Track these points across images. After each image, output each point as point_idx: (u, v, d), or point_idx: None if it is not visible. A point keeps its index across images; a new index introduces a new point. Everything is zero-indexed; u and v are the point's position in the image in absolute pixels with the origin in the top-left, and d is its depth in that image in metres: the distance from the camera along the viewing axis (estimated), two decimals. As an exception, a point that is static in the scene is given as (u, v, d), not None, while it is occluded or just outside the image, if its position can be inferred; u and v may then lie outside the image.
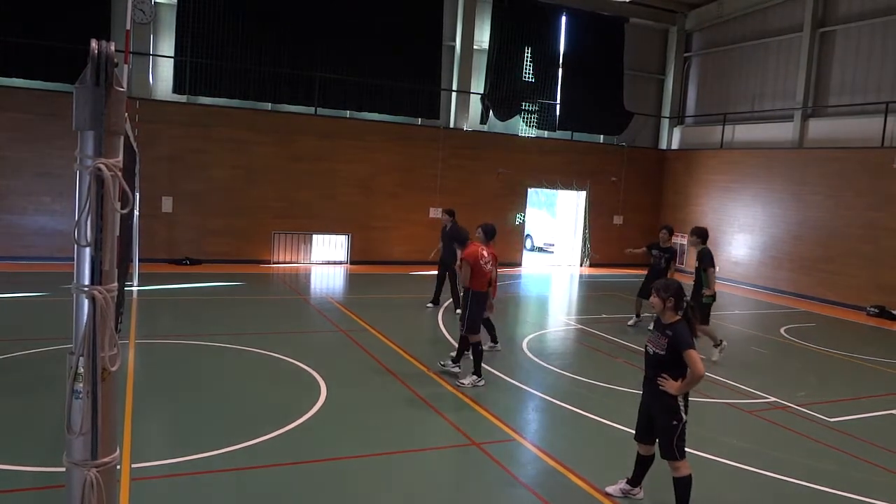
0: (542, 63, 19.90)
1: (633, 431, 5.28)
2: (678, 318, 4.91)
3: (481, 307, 8.22)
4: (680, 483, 4.89)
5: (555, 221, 23.53)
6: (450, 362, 8.37)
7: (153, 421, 6.37)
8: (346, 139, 17.45)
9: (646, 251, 11.95)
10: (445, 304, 12.66)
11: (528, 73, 19.72)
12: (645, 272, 12.35)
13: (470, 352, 8.14)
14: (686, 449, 4.95)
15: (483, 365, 8.73)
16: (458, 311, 12.40)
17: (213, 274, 14.81)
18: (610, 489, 5.36)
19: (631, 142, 21.38)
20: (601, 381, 8.51)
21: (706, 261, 9.94)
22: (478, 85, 19.37)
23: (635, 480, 5.29)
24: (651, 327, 5.79)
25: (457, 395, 7.61)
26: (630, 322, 12.01)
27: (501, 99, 19.36)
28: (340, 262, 17.81)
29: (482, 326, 9.47)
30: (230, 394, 7.23)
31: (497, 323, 9.96)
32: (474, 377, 7.98)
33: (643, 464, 5.24)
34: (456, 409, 7.22)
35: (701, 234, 10.26)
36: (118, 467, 2.52)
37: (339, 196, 17.52)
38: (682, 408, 4.88)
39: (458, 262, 9.08)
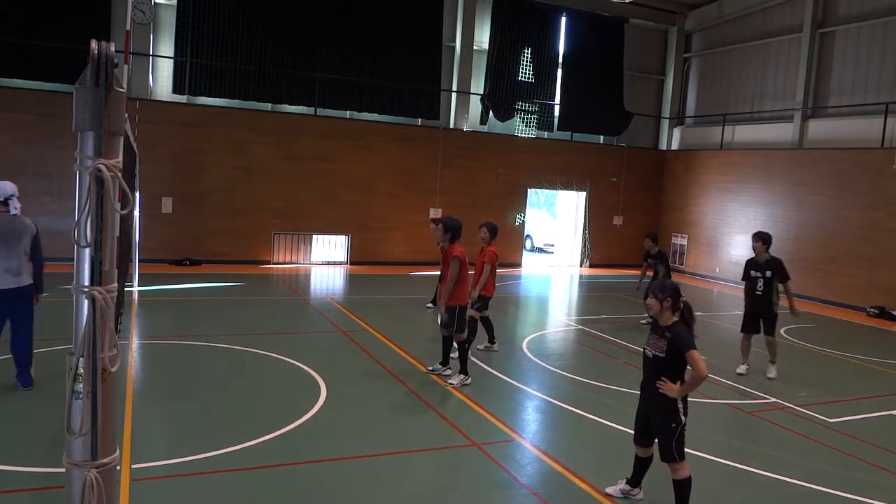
0: (541, 64, 19.90)
1: (631, 432, 5.28)
2: (676, 318, 4.91)
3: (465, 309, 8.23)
4: (679, 485, 4.90)
5: (555, 222, 23.55)
6: (439, 366, 8.37)
7: (153, 421, 6.37)
8: (346, 139, 17.46)
9: (645, 264, 12.52)
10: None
11: (527, 74, 19.72)
12: (638, 272, 13.15)
13: (456, 351, 8.17)
14: (686, 450, 4.95)
15: (483, 365, 8.74)
16: (429, 305, 12.50)
17: (213, 274, 14.82)
18: (610, 489, 5.36)
19: (631, 142, 21.38)
20: (601, 381, 8.51)
21: (783, 271, 9.04)
22: (478, 85, 19.37)
23: (635, 481, 5.29)
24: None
25: (456, 396, 7.61)
26: (643, 321, 12.22)
27: (501, 99, 19.36)
28: (340, 263, 17.81)
29: (482, 325, 9.49)
30: (230, 394, 7.23)
31: (497, 323, 9.96)
32: (461, 376, 7.98)
33: (642, 464, 5.25)
34: (456, 410, 7.22)
35: (766, 240, 9.17)
36: (118, 468, 2.52)
37: (339, 196, 17.52)
38: (681, 410, 4.88)
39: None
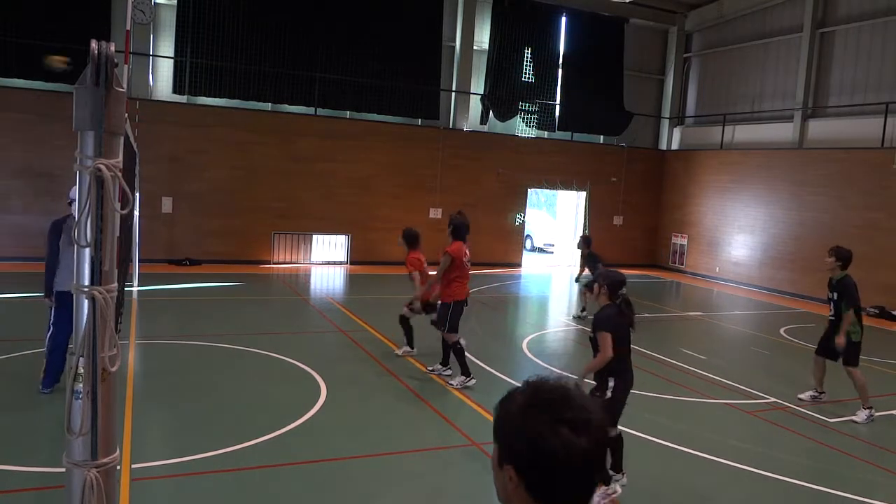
0: (542, 63, 19.91)
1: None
2: (608, 303, 5.25)
3: (458, 308, 8.01)
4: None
5: (555, 222, 23.55)
6: (439, 366, 8.36)
7: (153, 421, 6.37)
8: (346, 140, 17.46)
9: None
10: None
11: (528, 74, 19.73)
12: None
13: (451, 352, 8.12)
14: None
15: (483, 365, 8.73)
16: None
17: (213, 274, 14.82)
18: None
19: (631, 142, 21.38)
20: (601, 381, 8.50)
21: (848, 296, 7.64)
22: (478, 85, 19.37)
23: (616, 465, 5.29)
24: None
25: (457, 396, 7.62)
26: (582, 313, 12.38)
27: (501, 99, 19.37)
28: (340, 263, 17.81)
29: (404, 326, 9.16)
30: (230, 394, 7.23)
31: (498, 323, 9.95)
32: (462, 377, 7.93)
33: (611, 445, 5.26)
34: (456, 410, 7.22)
35: (841, 256, 7.79)
36: (118, 468, 2.52)
37: (339, 196, 17.52)
38: (609, 388, 5.11)
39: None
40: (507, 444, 1.35)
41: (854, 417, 7.56)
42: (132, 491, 4.88)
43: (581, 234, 13.69)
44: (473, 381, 7.91)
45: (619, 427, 5.32)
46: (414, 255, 8.89)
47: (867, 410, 7.55)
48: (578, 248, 13.33)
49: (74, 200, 6.59)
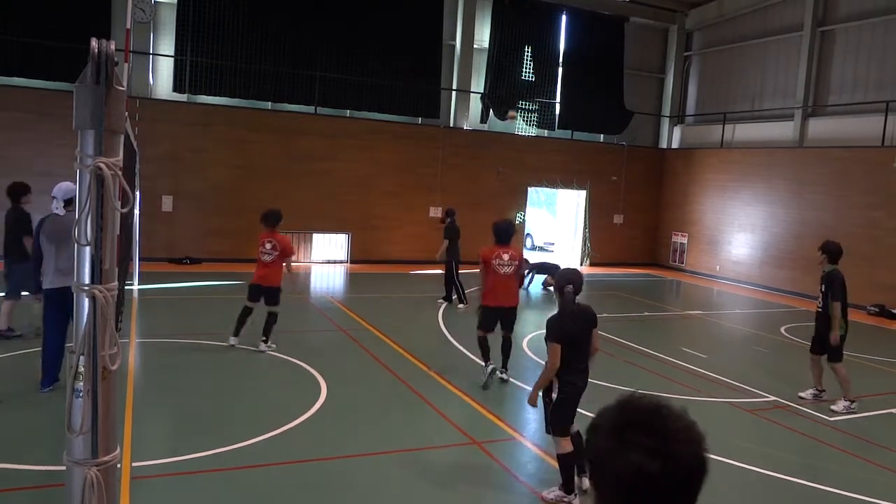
0: (542, 62, 19.90)
1: None
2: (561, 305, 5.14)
3: (486, 312, 8.15)
4: (558, 459, 5.14)
5: (555, 221, 23.56)
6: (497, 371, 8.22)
7: (153, 420, 6.38)
8: (346, 139, 17.45)
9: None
10: (443, 305, 12.70)
11: (528, 73, 19.72)
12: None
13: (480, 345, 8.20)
14: (573, 427, 5.12)
15: (483, 364, 8.74)
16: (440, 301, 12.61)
17: (213, 273, 14.82)
18: (546, 494, 5.23)
19: (631, 141, 21.37)
20: (601, 379, 8.49)
21: (832, 289, 7.76)
22: (478, 84, 19.36)
23: (581, 466, 5.17)
24: None
25: (457, 394, 7.62)
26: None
27: (501, 98, 19.36)
28: (341, 262, 17.80)
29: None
30: (230, 393, 7.24)
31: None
32: (483, 363, 8.04)
33: (574, 444, 5.12)
34: (456, 408, 7.22)
35: (829, 251, 7.88)
36: (118, 466, 2.52)
37: (339, 196, 17.51)
38: (555, 387, 5.07)
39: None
40: (588, 461, 1.33)
41: (833, 407, 7.79)
42: (132, 489, 4.89)
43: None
44: (492, 367, 7.93)
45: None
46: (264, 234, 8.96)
47: (847, 402, 7.80)
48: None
49: (56, 198, 6.62)
